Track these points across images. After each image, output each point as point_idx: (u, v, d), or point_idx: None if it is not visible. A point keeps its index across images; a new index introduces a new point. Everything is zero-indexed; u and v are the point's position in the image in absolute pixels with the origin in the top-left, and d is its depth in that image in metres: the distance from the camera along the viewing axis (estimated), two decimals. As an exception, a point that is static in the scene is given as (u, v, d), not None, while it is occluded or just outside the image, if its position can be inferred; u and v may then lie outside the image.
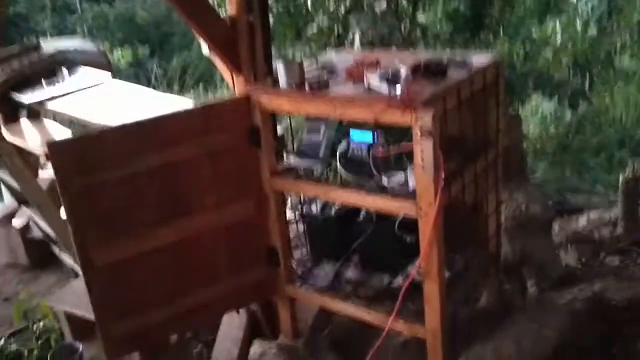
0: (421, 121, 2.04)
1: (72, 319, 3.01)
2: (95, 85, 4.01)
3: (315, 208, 2.86)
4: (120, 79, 4.70)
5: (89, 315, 2.55)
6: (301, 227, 2.91)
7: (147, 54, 10.39)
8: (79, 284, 2.96)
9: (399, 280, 3.06)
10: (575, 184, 4.33)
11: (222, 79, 8.86)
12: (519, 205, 2.83)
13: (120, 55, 9.14)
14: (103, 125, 2.92)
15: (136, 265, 2.47)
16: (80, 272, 3.73)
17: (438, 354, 2.39)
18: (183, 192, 2.51)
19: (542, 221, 2.82)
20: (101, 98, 3.72)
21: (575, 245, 3.23)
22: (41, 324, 3.43)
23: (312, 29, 5.82)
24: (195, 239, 2.57)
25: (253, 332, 3.13)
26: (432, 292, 2.31)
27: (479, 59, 2.49)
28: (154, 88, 9.14)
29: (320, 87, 2.35)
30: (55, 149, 2.24)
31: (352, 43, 5.57)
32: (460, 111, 2.30)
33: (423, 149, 2.08)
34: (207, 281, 2.66)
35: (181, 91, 8.92)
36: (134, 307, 2.51)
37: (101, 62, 4.93)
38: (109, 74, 4.19)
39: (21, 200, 4.25)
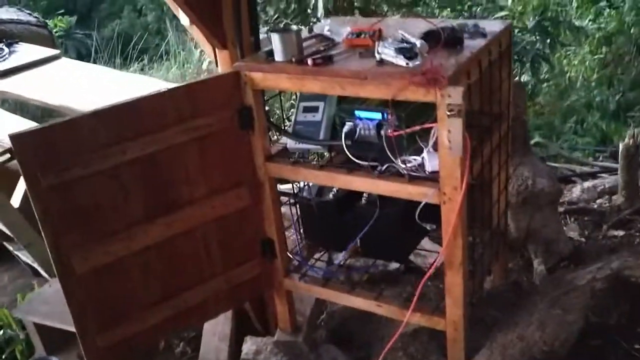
0: (450, 99, 1.82)
1: (43, 330, 2.67)
2: (42, 63, 3.59)
3: (308, 190, 2.62)
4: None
5: (66, 326, 2.26)
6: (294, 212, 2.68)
7: (73, 23, 9.70)
8: (49, 292, 2.64)
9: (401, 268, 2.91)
10: (554, 152, 4.26)
11: (167, 53, 8.40)
12: (525, 180, 2.68)
13: (54, 24, 8.46)
14: (67, 109, 2.57)
15: (122, 268, 2.18)
16: (41, 272, 3.43)
17: (460, 345, 2.24)
18: (169, 184, 2.22)
19: (550, 196, 2.68)
20: (53, 78, 3.32)
21: (575, 217, 3.13)
22: (0, 332, 3.06)
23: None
24: (185, 235, 2.30)
25: (241, 326, 2.90)
26: (454, 283, 2.13)
27: (491, 25, 2.29)
28: (94, 62, 8.59)
29: (324, 61, 2.10)
30: (20, 142, 1.90)
31: (314, 7, 5.27)
32: (481, 84, 2.09)
33: (451, 129, 1.87)
34: (200, 279, 2.40)
35: (124, 65, 8.37)
36: (120, 314, 2.23)
37: (43, 35, 4.47)
38: (57, 51, 3.76)
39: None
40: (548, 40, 5.83)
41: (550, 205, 2.74)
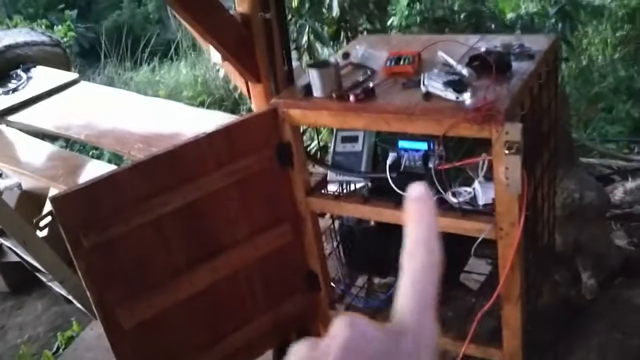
0: (507, 136, 1.73)
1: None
2: (62, 90, 3.51)
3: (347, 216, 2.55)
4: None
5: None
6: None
7: (74, 17, 9.59)
8: (91, 336, 2.60)
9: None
10: (587, 145, 4.12)
11: (177, 49, 8.27)
12: (571, 193, 2.58)
13: (65, 32, 8.34)
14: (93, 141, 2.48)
15: (168, 318, 2.12)
16: (75, 302, 3.39)
17: (518, 376, 2.17)
18: (211, 230, 2.15)
19: (599, 208, 2.59)
20: (75, 107, 3.24)
21: (621, 223, 3.03)
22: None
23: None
24: (229, 278, 2.23)
25: (283, 355, 2.85)
26: (512, 316, 2.06)
27: (536, 42, 2.17)
28: (105, 65, 8.49)
29: (367, 95, 2.00)
30: (61, 204, 1.84)
31: (329, 7, 5.13)
32: (533, 110, 1.99)
33: (508, 166, 1.78)
34: (245, 320, 2.34)
35: (134, 69, 8.26)
36: (168, 363, 2.19)
37: (57, 54, 4.39)
38: (75, 75, 3.68)
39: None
40: (568, 24, 5.68)
41: (599, 217, 2.65)
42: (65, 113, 3.23)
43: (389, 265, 2.49)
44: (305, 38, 5.28)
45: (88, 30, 10.14)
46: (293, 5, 5.59)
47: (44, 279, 3.60)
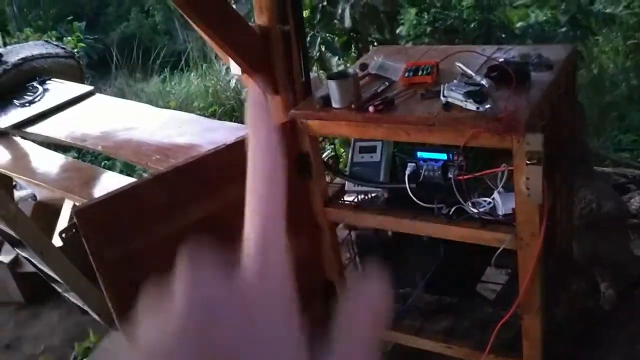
0: (528, 146, 1.74)
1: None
2: (78, 102, 3.54)
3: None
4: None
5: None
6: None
7: (82, 29, 9.67)
8: (110, 348, 2.61)
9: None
10: (599, 155, 4.12)
11: (187, 60, 8.31)
12: (589, 204, 2.58)
13: (74, 43, 8.41)
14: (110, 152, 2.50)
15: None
16: (91, 313, 3.40)
17: (539, 388, 2.16)
18: (231, 240, 2.15)
19: (616, 218, 2.58)
20: (91, 119, 3.27)
21: (639, 233, 3.02)
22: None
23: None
24: (248, 289, 2.24)
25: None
26: (532, 327, 2.06)
27: (554, 52, 2.18)
28: (115, 77, 8.56)
29: (386, 106, 2.01)
30: (84, 217, 1.85)
31: (341, 19, 5.16)
32: (553, 121, 2.00)
33: (529, 176, 1.78)
34: (264, 331, 2.34)
35: (145, 80, 8.32)
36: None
37: (72, 66, 4.43)
38: (90, 87, 3.71)
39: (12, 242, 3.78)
40: (578, 32, 5.69)
41: (617, 227, 2.64)
42: (82, 125, 3.25)
43: (406, 275, 2.49)
44: (316, 49, 5.31)
45: (97, 41, 10.21)
46: (304, 17, 5.62)
47: (59, 290, 3.61)
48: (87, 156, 5.93)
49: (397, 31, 5.90)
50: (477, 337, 2.26)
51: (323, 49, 5.51)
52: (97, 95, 3.71)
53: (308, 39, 5.37)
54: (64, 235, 2.99)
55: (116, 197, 1.90)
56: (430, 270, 2.32)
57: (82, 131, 3.22)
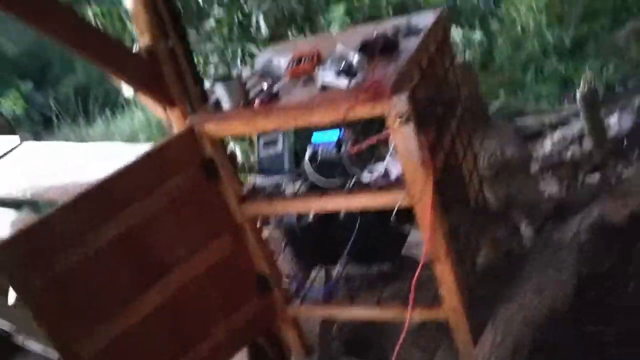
0: (396, 108, 1.88)
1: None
2: (5, 155, 3.61)
3: (288, 216, 2.67)
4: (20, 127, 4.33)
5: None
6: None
7: (30, 89, 9.64)
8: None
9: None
10: (520, 107, 4.31)
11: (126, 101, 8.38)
12: (494, 152, 2.74)
13: (12, 104, 8.43)
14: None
15: (128, 341, 2.22)
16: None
17: (464, 329, 2.30)
18: (152, 252, 2.26)
19: (521, 161, 2.75)
20: (21, 169, 3.34)
21: (552, 171, 3.19)
22: None
23: (210, 24, 5.49)
24: (181, 293, 2.34)
25: (256, 358, 2.95)
26: (444, 273, 2.19)
27: (424, 19, 2.33)
28: (58, 126, 8.57)
29: (270, 99, 2.14)
30: (2, 251, 1.94)
31: (257, 28, 5.30)
32: (424, 81, 2.14)
33: (404, 137, 1.92)
34: (206, 330, 2.44)
35: (88, 124, 8.35)
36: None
37: (-1, 123, 4.50)
38: (15, 138, 3.78)
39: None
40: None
41: (523, 170, 2.81)
42: (10, 176, 3.32)
43: (335, 252, 2.60)
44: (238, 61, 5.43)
45: (44, 96, 10.11)
46: (223, 33, 5.76)
47: (19, 342, 3.65)
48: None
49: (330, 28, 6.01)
50: (405, 296, 2.39)
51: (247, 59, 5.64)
52: (25, 144, 3.78)
53: (229, 53, 5.50)
54: None
55: (31, 229, 1.99)
56: (349, 244, 2.44)
57: (10, 182, 3.28)
